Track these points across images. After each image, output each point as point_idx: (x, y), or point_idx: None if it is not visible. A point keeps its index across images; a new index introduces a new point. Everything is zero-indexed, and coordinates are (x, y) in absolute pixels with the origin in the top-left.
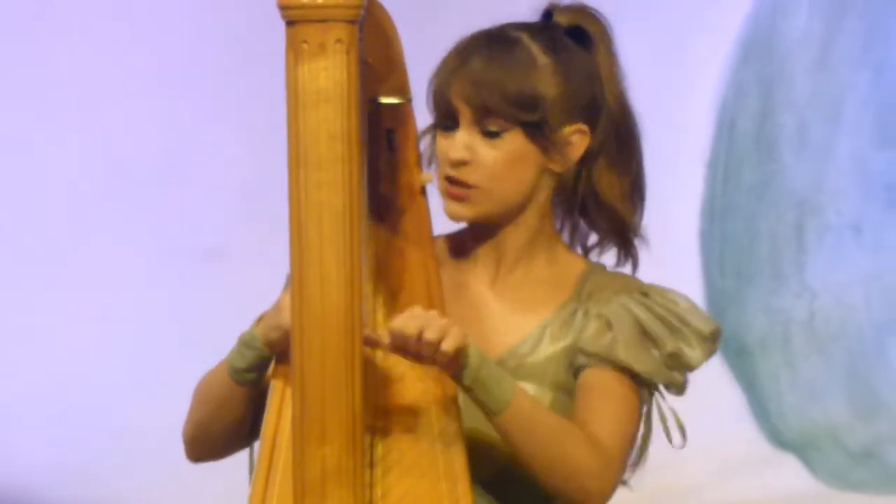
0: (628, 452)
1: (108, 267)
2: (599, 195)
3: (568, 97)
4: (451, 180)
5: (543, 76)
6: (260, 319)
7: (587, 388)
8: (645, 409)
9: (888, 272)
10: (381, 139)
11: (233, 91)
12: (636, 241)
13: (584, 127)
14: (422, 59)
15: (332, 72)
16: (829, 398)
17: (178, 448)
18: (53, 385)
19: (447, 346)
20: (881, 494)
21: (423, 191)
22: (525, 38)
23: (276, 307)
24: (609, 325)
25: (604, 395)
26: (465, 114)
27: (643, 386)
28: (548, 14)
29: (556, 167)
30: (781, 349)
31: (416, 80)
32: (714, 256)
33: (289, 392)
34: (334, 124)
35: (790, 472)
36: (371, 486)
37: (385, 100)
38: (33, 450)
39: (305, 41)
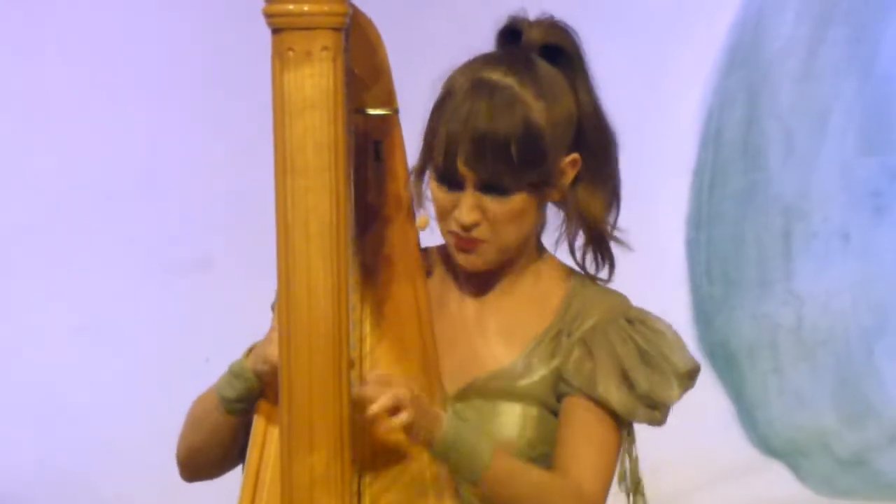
0: (607, 493)
1: (93, 276)
2: (583, 212)
3: (560, 136)
4: (459, 236)
5: (540, 124)
6: (251, 350)
7: (570, 421)
8: (625, 444)
9: (875, 278)
10: (367, 150)
11: (219, 99)
12: (612, 244)
13: (577, 156)
14: (408, 69)
15: (318, 79)
16: (817, 405)
17: (160, 457)
18: (35, 395)
19: (399, 419)
20: (870, 501)
21: (410, 201)
22: (516, 85)
23: (267, 339)
24: (591, 356)
25: (586, 433)
26: (471, 180)
27: (622, 423)
28: (515, 31)
29: (553, 199)
30: (769, 356)
31: (402, 89)
32: (701, 264)
33: (275, 407)
34: (321, 132)
35: (778, 479)
36: (358, 496)
37: (372, 111)
38: (13, 460)
39: (291, 49)
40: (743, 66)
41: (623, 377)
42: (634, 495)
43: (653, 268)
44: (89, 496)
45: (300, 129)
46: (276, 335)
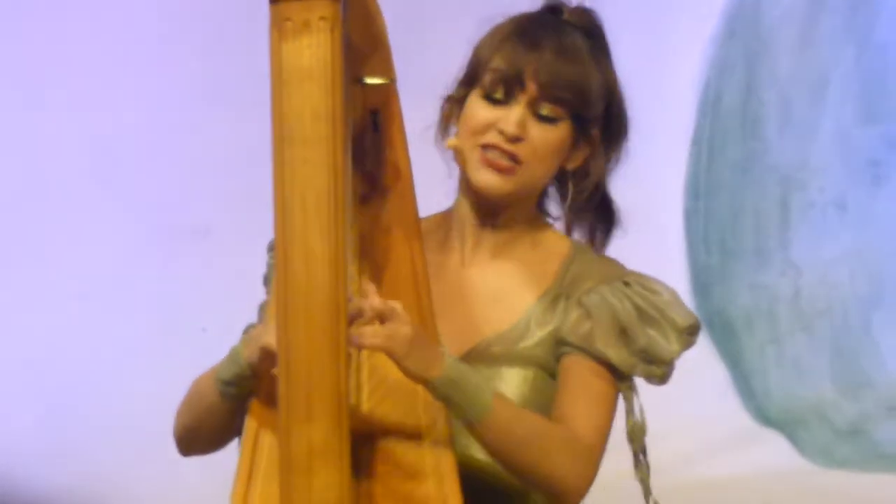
0: (604, 445)
1: (92, 245)
2: (596, 183)
3: (600, 99)
4: (496, 149)
5: (595, 76)
6: (248, 333)
7: (567, 378)
8: (627, 400)
9: (872, 248)
10: (365, 119)
11: (219, 68)
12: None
13: (598, 132)
14: (406, 41)
15: (315, 49)
16: (815, 375)
17: (158, 428)
18: (32, 362)
19: (366, 339)
20: (866, 471)
21: (409, 170)
22: (578, 34)
23: (263, 328)
24: (588, 315)
25: (583, 388)
26: (530, 93)
27: (621, 379)
28: (554, 10)
29: (574, 164)
30: (766, 326)
31: (400, 60)
32: (699, 233)
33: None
34: (318, 102)
35: (775, 450)
36: (356, 481)
37: (370, 80)
38: (13, 430)
39: (289, 19)
40: (741, 34)
41: (621, 333)
42: (641, 454)
43: (651, 237)
44: (86, 464)
45: (298, 100)
46: (272, 326)
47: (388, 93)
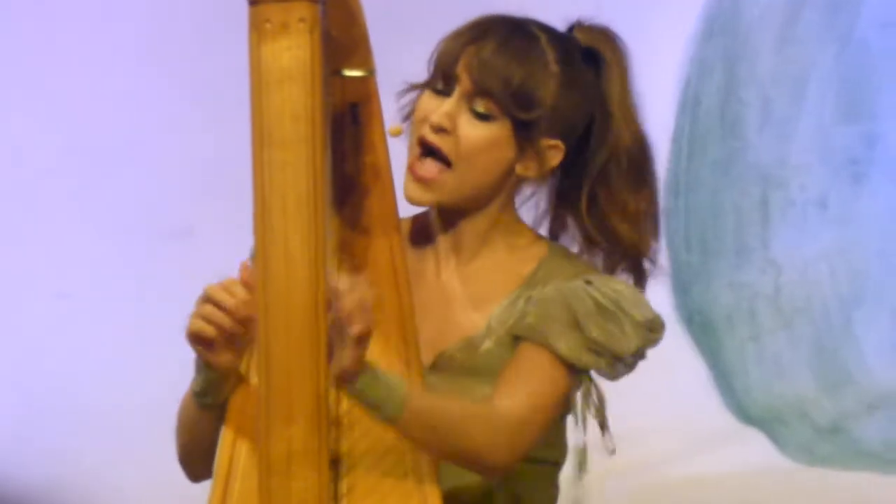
0: (538, 422)
1: (74, 244)
2: (611, 219)
3: (561, 112)
4: (424, 143)
5: (548, 83)
6: None
7: (514, 356)
8: (577, 391)
9: (853, 246)
10: (345, 113)
11: (198, 68)
12: (647, 265)
13: (562, 144)
14: (389, 39)
15: (295, 51)
16: (795, 373)
17: (138, 427)
18: (13, 363)
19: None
20: (848, 469)
21: (388, 169)
22: (544, 39)
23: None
24: (541, 308)
25: (523, 365)
26: (463, 86)
27: (569, 368)
28: (570, 29)
29: (526, 172)
30: (747, 324)
31: (382, 58)
32: (679, 232)
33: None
34: (298, 104)
35: (756, 448)
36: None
37: (349, 72)
38: None
39: (268, 20)
40: (721, 33)
41: (573, 324)
42: (602, 430)
43: None
44: (68, 465)
45: (277, 102)
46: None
47: (367, 86)
